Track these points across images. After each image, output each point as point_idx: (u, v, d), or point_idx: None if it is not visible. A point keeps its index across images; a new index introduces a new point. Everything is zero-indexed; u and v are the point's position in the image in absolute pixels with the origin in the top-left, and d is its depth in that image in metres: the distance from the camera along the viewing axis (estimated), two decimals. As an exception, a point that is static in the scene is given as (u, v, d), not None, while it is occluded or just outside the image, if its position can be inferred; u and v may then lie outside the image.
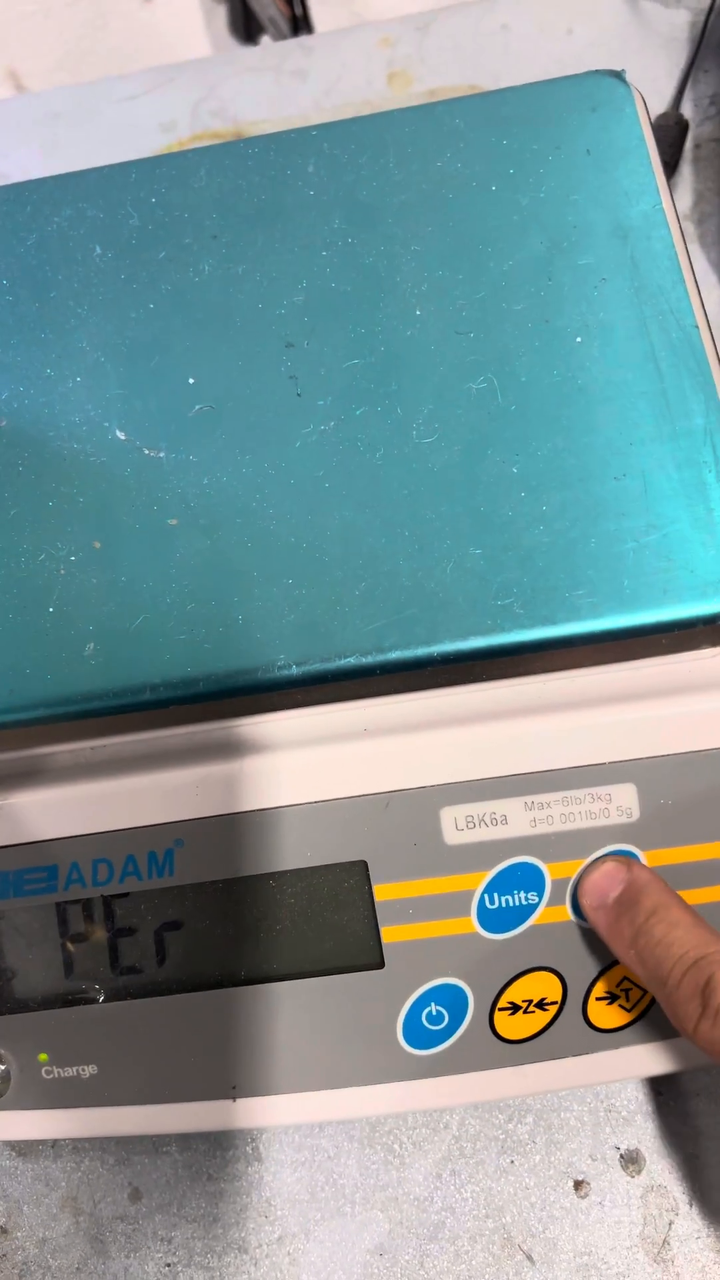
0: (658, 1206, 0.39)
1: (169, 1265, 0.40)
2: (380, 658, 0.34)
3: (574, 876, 0.35)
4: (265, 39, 1.26)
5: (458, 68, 0.62)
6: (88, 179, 0.43)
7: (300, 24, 1.20)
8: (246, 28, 1.27)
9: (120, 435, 0.38)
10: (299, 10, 1.18)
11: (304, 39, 0.65)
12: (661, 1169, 0.39)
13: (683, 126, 0.56)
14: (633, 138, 0.40)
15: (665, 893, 0.33)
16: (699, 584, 0.33)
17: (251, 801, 0.36)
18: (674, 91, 0.58)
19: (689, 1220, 0.39)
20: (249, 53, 0.66)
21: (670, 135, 0.55)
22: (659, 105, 0.57)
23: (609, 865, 0.34)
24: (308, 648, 0.34)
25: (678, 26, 0.60)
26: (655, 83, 0.58)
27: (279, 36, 1.20)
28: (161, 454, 0.38)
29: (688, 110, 0.57)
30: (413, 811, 0.35)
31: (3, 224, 0.43)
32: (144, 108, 0.65)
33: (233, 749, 0.36)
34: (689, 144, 0.57)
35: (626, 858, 0.34)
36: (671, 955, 0.32)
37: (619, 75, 0.41)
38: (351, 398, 0.37)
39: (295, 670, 0.34)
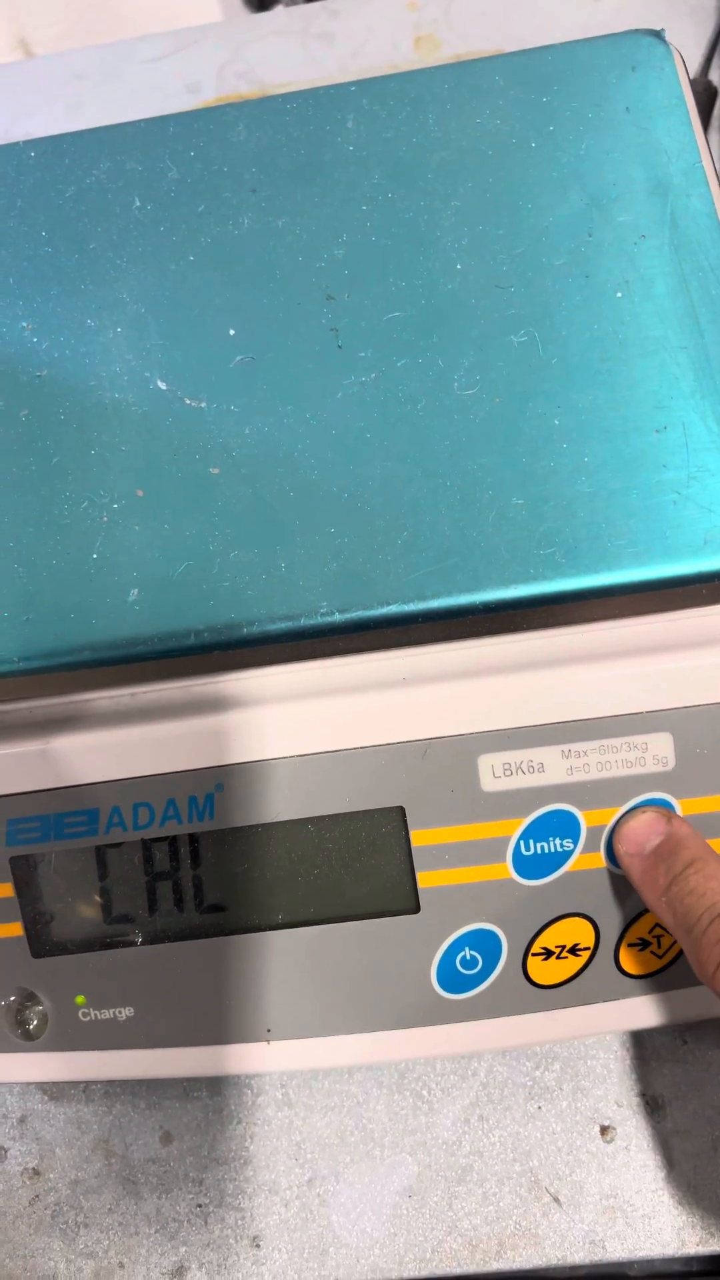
0: (681, 1151, 0.40)
1: (200, 1206, 0.41)
2: (423, 605, 0.34)
3: (609, 824, 0.36)
4: (279, 6, 1.25)
5: (484, 33, 0.62)
6: (125, 132, 0.43)
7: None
8: (260, -3, 1.26)
9: (161, 385, 0.38)
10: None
11: (329, 2, 0.65)
12: (685, 1114, 0.40)
13: (711, 92, 0.56)
14: (673, 96, 0.40)
15: (704, 848, 0.34)
16: (740, 535, 0.34)
17: (292, 747, 0.36)
18: (701, 58, 0.58)
19: (713, 1164, 0.40)
20: (274, 16, 0.66)
21: (699, 101, 0.55)
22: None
23: (649, 815, 0.35)
24: (350, 595, 0.35)
25: (705, -7, 0.60)
26: (683, 50, 0.58)
27: (292, 3, 1.20)
28: (203, 404, 0.38)
29: (715, 77, 0.57)
30: (451, 758, 0.36)
31: (41, 176, 0.43)
32: (168, 69, 0.65)
33: (274, 695, 0.36)
34: (717, 109, 0.57)
35: (667, 810, 0.35)
36: (702, 904, 0.32)
37: (659, 35, 0.42)
38: (392, 350, 0.38)
39: (338, 617, 0.35)
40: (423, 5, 0.63)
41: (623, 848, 0.35)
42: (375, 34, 0.63)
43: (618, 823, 0.35)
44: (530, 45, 0.61)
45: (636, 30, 0.42)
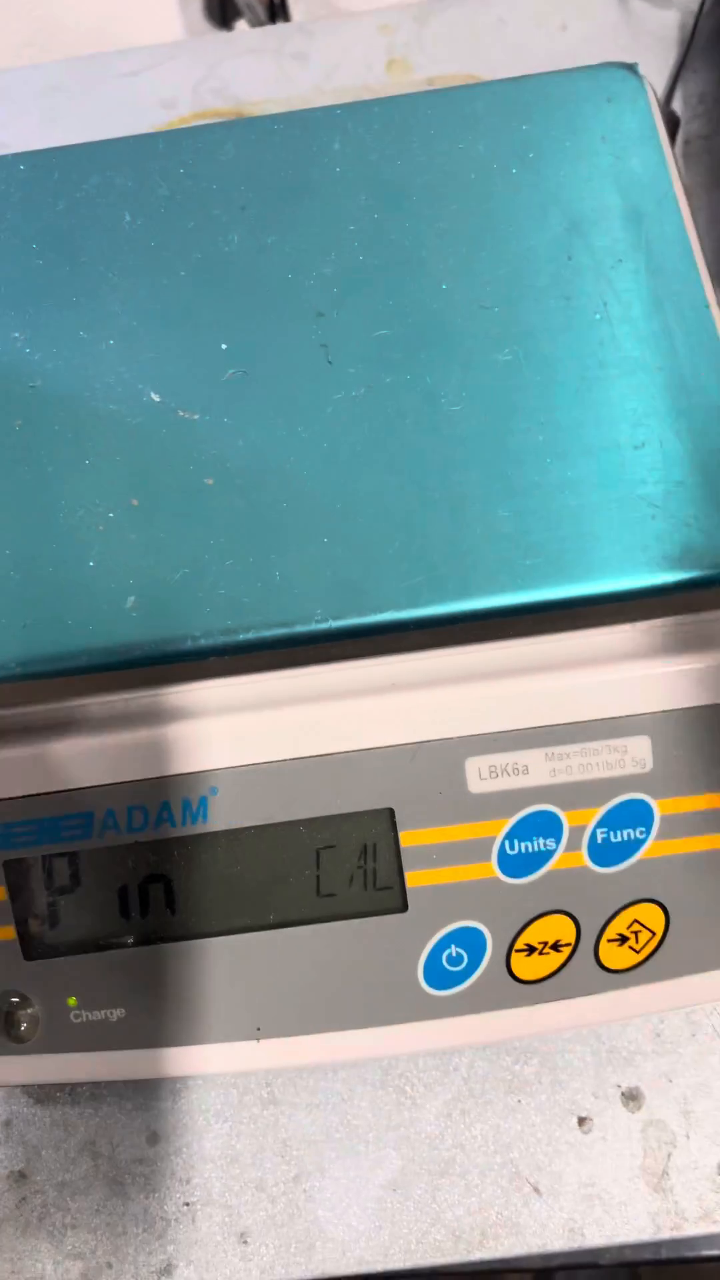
0: (656, 1140, 0.41)
1: (188, 1204, 0.42)
2: (413, 613, 0.35)
3: (590, 824, 0.37)
4: (240, 24, 1.26)
5: (456, 58, 0.64)
6: (114, 148, 0.44)
7: (278, 11, 1.20)
8: (222, 12, 1.27)
9: (155, 397, 0.39)
10: (276, -3, 1.18)
11: (304, 23, 0.66)
12: (659, 1105, 0.42)
13: (674, 122, 0.58)
14: (646, 127, 0.42)
15: None
16: (715, 547, 0.35)
17: (285, 751, 0.37)
18: (664, 89, 0.60)
19: (685, 1152, 0.41)
20: (248, 35, 0.67)
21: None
22: (651, 101, 0.60)
23: None
24: (343, 603, 0.36)
25: (668, 25, 0.62)
26: (648, 78, 0.61)
27: (255, 23, 1.21)
28: (196, 416, 0.39)
29: (677, 107, 0.60)
30: (438, 761, 0.37)
31: (31, 189, 0.43)
32: (144, 84, 0.66)
33: (267, 701, 0.37)
34: (679, 140, 0.59)
35: None
36: None
37: (632, 68, 0.43)
38: (381, 366, 0.39)
39: (331, 624, 0.36)
40: (396, 28, 0.64)
41: None
42: (349, 55, 0.65)
43: None
44: (501, 70, 0.63)
45: (611, 64, 0.44)
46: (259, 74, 0.65)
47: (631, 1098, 0.42)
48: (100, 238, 0.42)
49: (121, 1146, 0.42)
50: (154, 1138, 0.42)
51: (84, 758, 0.37)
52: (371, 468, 0.37)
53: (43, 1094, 0.43)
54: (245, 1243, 0.41)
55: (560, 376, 0.38)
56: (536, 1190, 0.41)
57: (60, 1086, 0.43)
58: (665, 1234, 0.40)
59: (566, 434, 0.37)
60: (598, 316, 0.39)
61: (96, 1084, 0.43)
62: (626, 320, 0.39)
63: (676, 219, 0.40)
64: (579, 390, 0.38)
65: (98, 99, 0.65)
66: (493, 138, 0.42)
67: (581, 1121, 0.41)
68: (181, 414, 0.39)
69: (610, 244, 0.40)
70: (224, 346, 0.40)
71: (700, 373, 0.38)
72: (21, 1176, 0.42)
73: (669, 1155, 0.41)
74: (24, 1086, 0.43)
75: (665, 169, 0.41)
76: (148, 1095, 0.43)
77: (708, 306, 0.39)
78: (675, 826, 0.36)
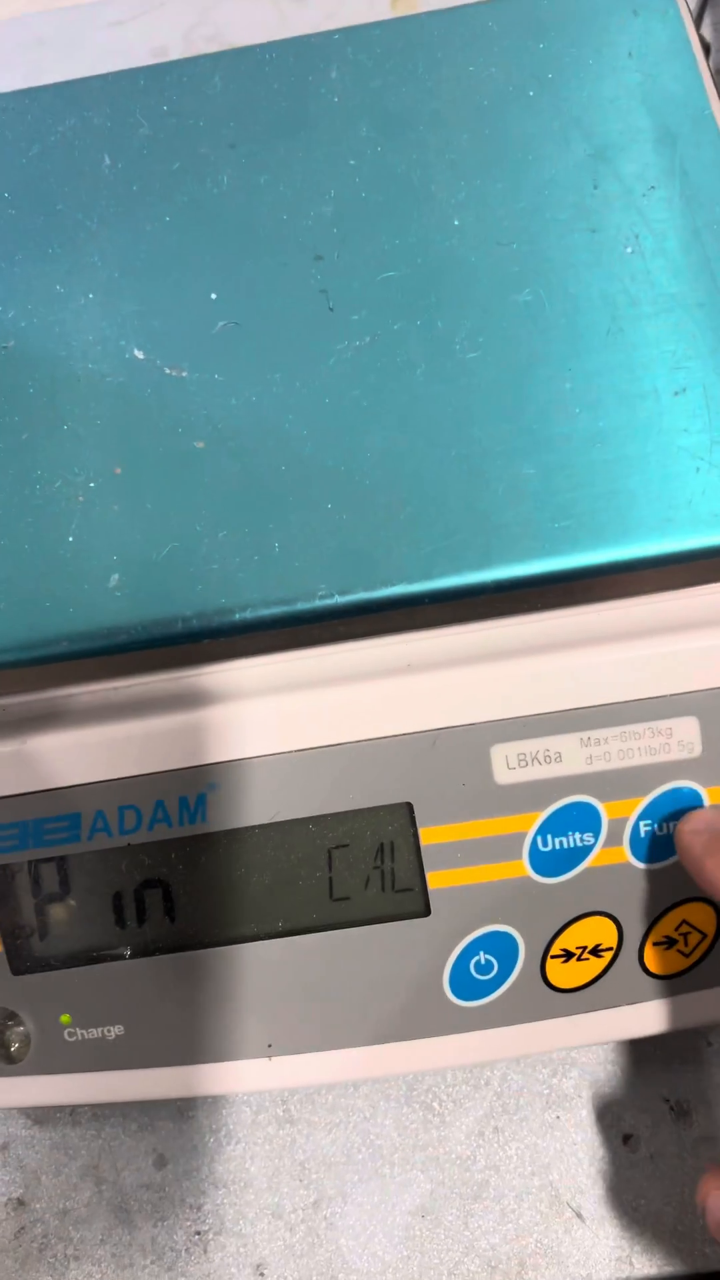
0: (710, 1158, 0.38)
1: (199, 1234, 0.38)
2: (428, 585, 0.32)
3: (633, 816, 0.33)
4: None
5: (465, -9, 0.59)
6: (92, 86, 0.40)
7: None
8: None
9: (138, 354, 0.35)
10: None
11: (302, -38, 0.62)
12: (712, 1119, 0.38)
13: (704, 49, 0.54)
14: (677, 40, 0.38)
15: None
16: (769, 502, 0.31)
17: (289, 742, 0.34)
18: (694, 14, 0.56)
19: (742, 1172, 0.38)
20: (243, -23, 0.63)
21: (694, 57, 0.53)
22: (677, 29, 0.55)
23: None
24: (350, 576, 0.32)
25: (694, -51, 0.57)
26: (673, 6, 0.56)
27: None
28: (184, 373, 0.35)
29: (707, 33, 0.55)
30: (461, 750, 0.33)
31: (1, 133, 0.40)
32: (133, 33, 0.62)
33: (269, 686, 0.34)
34: (709, 68, 0.54)
35: None
36: None
37: (661, -25, 0.39)
38: (388, 312, 0.35)
39: (337, 600, 0.32)
40: (400, -37, 0.60)
41: (687, 827, 0.33)
42: (350, -6, 0.60)
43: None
44: (513, 4, 0.58)
45: (637, -28, 0.39)
46: (255, 17, 0.61)
47: (682, 1112, 0.38)
48: (78, 183, 0.38)
49: (126, 1171, 0.39)
50: (161, 1161, 0.39)
51: (68, 753, 0.34)
52: (379, 424, 0.34)
53: (42, 1115, 0.40)
54: (261, 1275, 0.38)
55: (588, 317, 0.34)
56: (579, 1215, 0.37)
57: (59, 1107, 0.40)
58: (722, 1263, 0.36)
59: (596, 380, 0.33)
60: (629, 250, 0.35)
61: (99, 1104, 0.40)
62: (661, 253, 0.35)
63: (715, 140, 0.36)
64: (609, 332, 0.34)
65: (85, 50, 0.62)
66: (507, 59, 0.38)
67: (627, 1139, 0.38)
68: (169, 371, 0.35)
69: (641, 170, 0.36)
70: (214, 296, 0.36)
71: (746, 307, 0.34)
72: (20, 1204, 0.39)
73: (724, 1176, 0.37)
74: (20, 1109, 0.40)
75: (701, 84, 0.37)
76: (153, 1115, 0.40)
77: (752, 234, 0.35)
78: (727, 817, 0.33)
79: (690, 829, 0.32)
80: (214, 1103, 0.40)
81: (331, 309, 0.35)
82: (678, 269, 0.35)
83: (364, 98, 0.39)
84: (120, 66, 0.61)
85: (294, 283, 0.36)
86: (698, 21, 0.54)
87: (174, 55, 0.61)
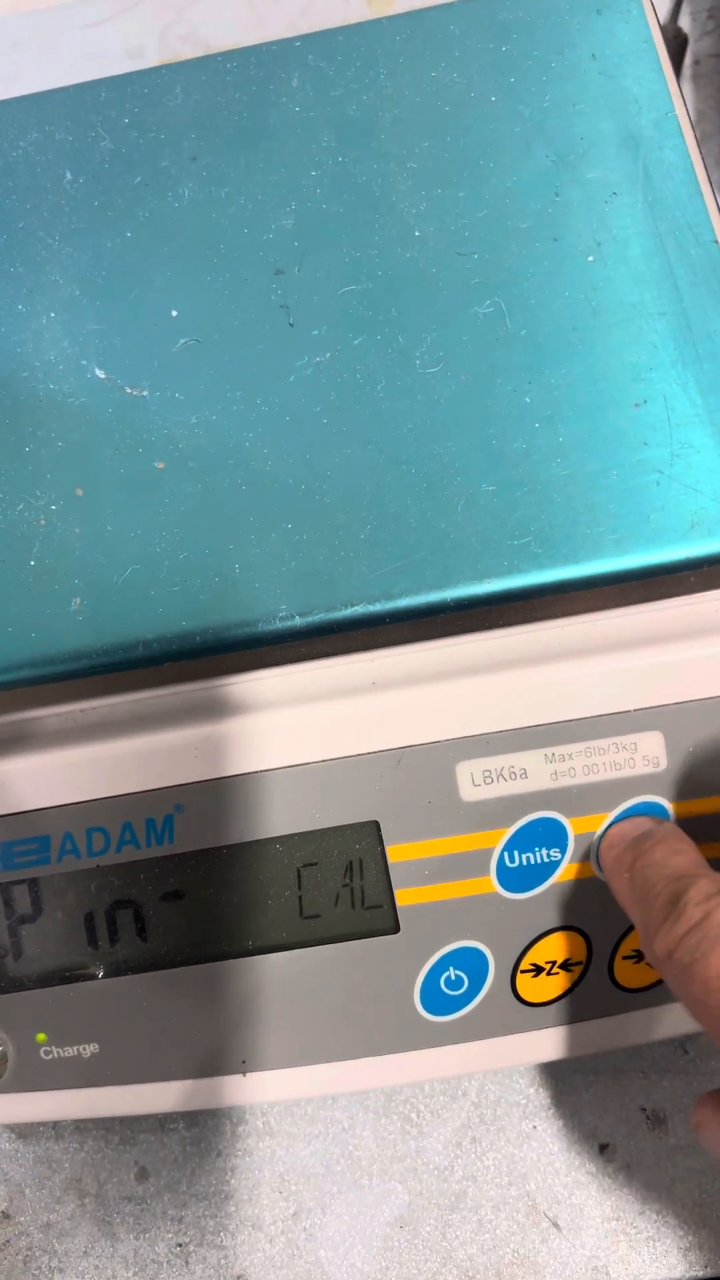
0: (686, 1168, 0.38)
1: (180, 1245, 0.39)
2: (389, 605, 0.32)
3: (599, 831, 0.33)
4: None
5: (440, -13, 0.58)
6: (53, 100, 0.40)
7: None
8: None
9: (99, 373, 0.35)
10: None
11: (276, -42, 0.61)
12: (688, 1128, 0.38)
13: (681, 41, 0.53)
14: (641, 40, 0.38)
15: (684, 838, 0.31)
16: (729, 516, 0.31)
17: (255, 762, 0.33)
18: (671, 3, 0.55)
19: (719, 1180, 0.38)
20: (218, -26, 0.62)
21: (670, 49, 0.52)
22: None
23: (639, 818, 0.32)
24: (311, 597, 0.32)
25: (672, -65, 0.56)
26: (650, -5, 0.55)
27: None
28: (144, 392, 0.35)
29: (685, 24, 0.54)
30: (426, 768, 0.33)
31: (-38, 150, 0.39)
32: (109, 34, 0.61)
33: (233, 707, 0.34)
34: (687, 59, 0.54)
35: (660, 818, 0.33)
36: (664, 875, 0.29)
37: (624, -26, 0.38)
38: (348, 326, 0.35)
39: (298, 621, 0.32)
40: (374, -42, 0.59)
41: (604, 844, 0.32)
42: (325, -10, 0.60)
43: (607, 829, 0.33)
44: None
45: (600, -29, 0.39)
46: (230, 16, 0.60)
47: (658, 1121, 0.38)
48: (38, 199, 0.38)
49: (109, 1184, 0.40)
50: (143, 1174, 0.40)
51: (35, 776, 0.34)
52: (339, 442, 0.33)
53: (25, 1129, 0.40)
54: (242, 1286, 0.38)
55: (548, 329, 0.34)
56: (556, 1225, 0.37)
57: (42, 1122, 0.40)
58: (699, 1271, 0.36)
59: (556, 394, 0.33)
60: (590, 259, 0.35)
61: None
62: (623, 261, 0.34)
63: (679, 144, 0.36)
64: (570, 343, 0.34)
65: (60, 53, 0.61)
66: (468, 63, 0.38)
67: (604, 1149, 0.38)
68: (129, 390, 0.35)
69: (603, 175, 0.36)
70: (174, 314, 0.36)
71: (708, 318, 0.33)
72: (4, 1217, 0.40)
73: (699, 1184, 0.37)
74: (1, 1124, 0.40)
75: (665, 86, 0.37)
76: (135, 1129, 0.40)
77: (716, 243, 0.34)
78: (695, 830, 0.33)
79: (606, 845, 0.32)
80: (195, 1116, 0.40)
81: (292, 324, 0.35)
82: (639, 277, 0.34)
83: (325, 106, 0.38)
84: (96, 68, 0.60)
85: (254, 298, 0.35)
86: (675, 12, 0.54)
87: (150, 55, 0.61)
